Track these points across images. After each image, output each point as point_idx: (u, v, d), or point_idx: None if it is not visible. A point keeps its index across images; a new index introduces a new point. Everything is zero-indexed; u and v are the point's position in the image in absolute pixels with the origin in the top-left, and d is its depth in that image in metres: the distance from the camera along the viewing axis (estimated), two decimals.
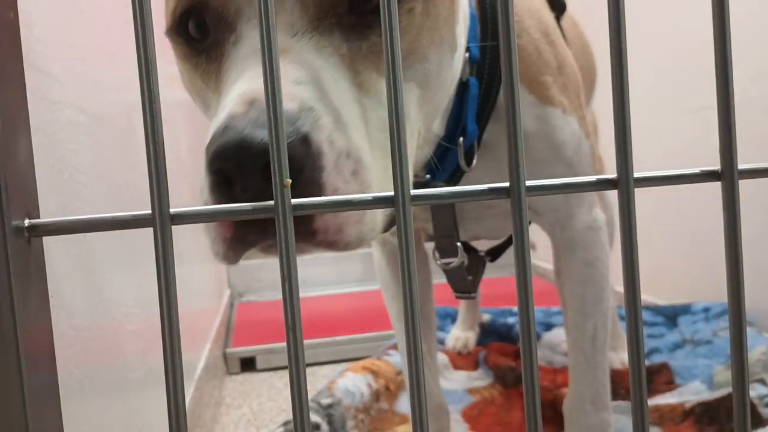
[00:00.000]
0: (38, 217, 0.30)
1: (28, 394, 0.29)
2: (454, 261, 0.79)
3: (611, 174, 0.33)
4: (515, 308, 1.77)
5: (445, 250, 0.80)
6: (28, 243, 0.30)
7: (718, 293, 1.64)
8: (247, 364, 1.73)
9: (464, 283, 0.85)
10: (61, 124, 0.61)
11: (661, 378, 1.30)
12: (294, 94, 0.39)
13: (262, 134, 0.35)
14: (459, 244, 0.79)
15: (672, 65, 1.79)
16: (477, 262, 0.92)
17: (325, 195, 0.38)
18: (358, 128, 0.42)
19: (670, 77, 1.80)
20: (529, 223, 0.96)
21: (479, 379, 1.43)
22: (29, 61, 0.54)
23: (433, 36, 0.50)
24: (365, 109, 0.44)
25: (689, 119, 1.71)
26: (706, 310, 1.63)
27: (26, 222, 0.29)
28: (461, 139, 0.66)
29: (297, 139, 0.37)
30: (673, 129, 1.79)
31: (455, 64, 0.54)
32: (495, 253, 0.98)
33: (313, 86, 0.41)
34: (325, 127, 0.39)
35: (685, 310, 1.68)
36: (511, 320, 1.74)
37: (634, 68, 1.91)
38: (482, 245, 0.98)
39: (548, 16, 0.80)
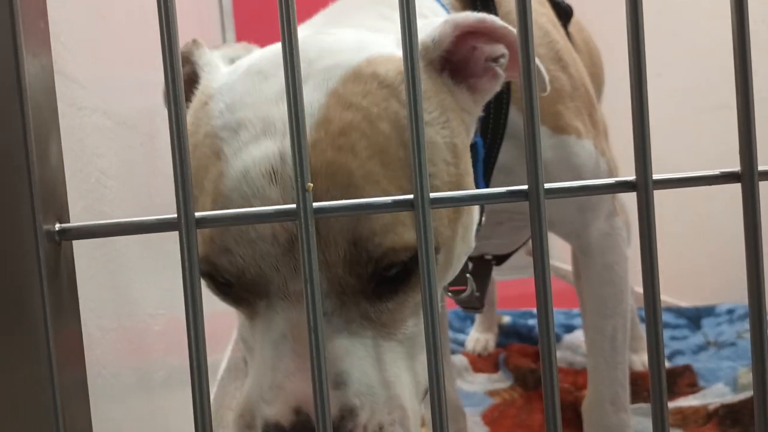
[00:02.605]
0: (68, 221, 0.31)
1: (59, 393, 0.30)
2: (465, 290, 0.80)
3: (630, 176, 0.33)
4: (536, 309, 1.76)
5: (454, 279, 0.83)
6: (59, 246, 0.30)
7: (742, 295, 1.62)
8: None
9: (471, 299, 0.87)
10: (87, 129, 0.62)
11: (684, 380, 1.29)
12: (334, 402, 0.43)
13: None
14: (468, 275, 0.81)
15: (692, 63, 1.77)
16: (483, 266, 0.93)
17: None
18: (385, 388, 0.46)
19: (691, 75, 1.78)
20: (529, 239, 0.97)
21: (499, 381, 1.43)
22: (57, 68, 0.55)
23: (449, 263, 0.52)
24: (391, 353, 0.47)
25: (710, 118, 1.69)
26: (730, 311, 1.61)
27: (57, 226, 0.30)
28: None
29: None
30: (693, 127, 1.77)
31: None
32: (501, 258, 0.99)
33: (348, 383, 0.44)
34: (360, 423, 0.44)
35: (709, 311, 1.66)
36: (531, 322, 1.73)
37: (654, 66, 1.89)
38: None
39: (558, 34, 0.81)
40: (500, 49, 0.53)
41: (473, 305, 0.86)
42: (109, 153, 0.69)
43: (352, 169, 0.44)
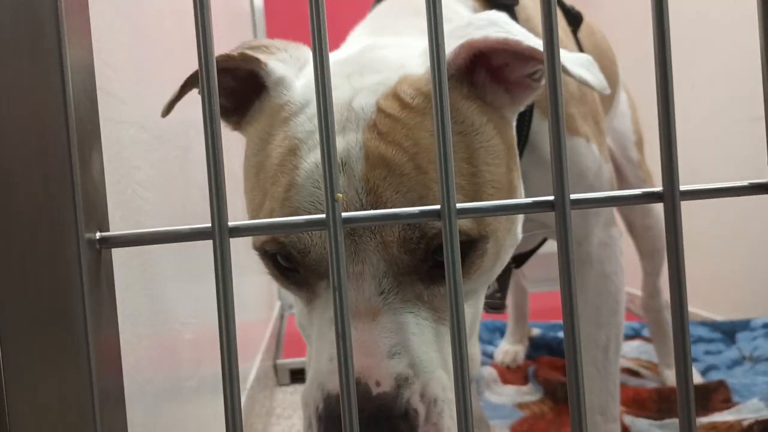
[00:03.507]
0: (108, 230, 0.33)
1: (97, 398, 0.32)
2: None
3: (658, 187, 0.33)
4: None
5: None
6: (99, 254, 0.32)
7: None
8: (297, 375, 1.76)
9: (493, 297, 0.88)
10: (125, 142, 0.64)
11: (718, 396, 1.26)
12: (390, 372, 0.46)
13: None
14: None
15: (728, 74, 1.75)
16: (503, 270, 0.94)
17: None
18: (438, 366, 0.49)
19: (726, 86, 1.76)
20: (545, 239, 0.97)
21: (529, 393, 1.42)
22: (97, 84, 0.57)
23: (497, 254, 0.55)
24: (443, 336, 0.51)
25: (746, 129, 1.67)
26: (766, 326, 1.57)
27: (98, 235, 0.31)
28: None
29: (400, 414, 0.45)
30: (729, 139, 1.75)
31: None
32: (519, 260, 0.99)
33: (403, 354, 0.47)
34: (416, 390, 0.46)
35: (744, 326, 1.63)
36: (561, 334, 1.72)
37: (689, 77, 1.87)
38: None
39: (568, 42, 0.82)
40: (531, 67, 0.55)
41: (495, 305, 0.87)
42: (145, 165, 0.71)
43: (404, 161, 0.49)
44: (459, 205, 0.32)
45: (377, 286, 0.49)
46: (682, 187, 0.32)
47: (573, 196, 0.32)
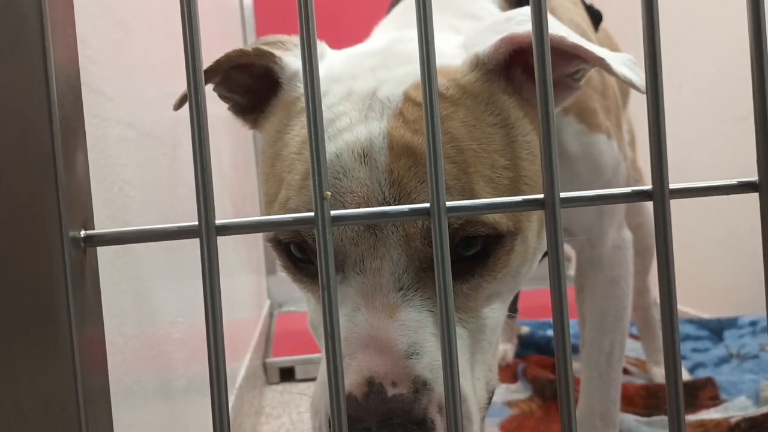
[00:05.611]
0: (93, 229, 0.32)
1: (82, 398, 0.31)
2: None
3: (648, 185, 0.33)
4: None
5: None
6: (84, 253, 0.31)
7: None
8: (287, 374, 1.75)
9: None
10: (112, 140, 0.63)
11: (705, 393, 1.27)
12: (407, 372, 0.44)
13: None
14: None
15: (717, 72, 1.76)
16: None
17: None
18: (461, 372, 0.46)
19: (713, 85, 1.77)
20: None
21: (518, 391, 1.42)
22: (82, 81, 0.56)
23: (525, 255, 0.53)
24: (464, 339, 0.48)
25: (733, 128, 1.68)
26: (753, 323, 1.59)
27: (82, 233, 0.31)
28: None
29: (417, 420, 0.43)
30: (717, 138, 1.76)
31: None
32: None
33: (421, 354, 0.45)
34: (435, 399, 0.44)
35: (732, 323, 1.64)
36: (550, 332, 1.72)
37: (676, 77, 1.88)
38: None
39: (592, 35, 0.81)
40: (573, 66, 0.53)
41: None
42: (132, 163, 0.70)
43: None
44: (449, 204, 0.32)
45: (396, 282, 0.47)
46: (672, 186, 0.32)
47: (563, 195, 0.32)
